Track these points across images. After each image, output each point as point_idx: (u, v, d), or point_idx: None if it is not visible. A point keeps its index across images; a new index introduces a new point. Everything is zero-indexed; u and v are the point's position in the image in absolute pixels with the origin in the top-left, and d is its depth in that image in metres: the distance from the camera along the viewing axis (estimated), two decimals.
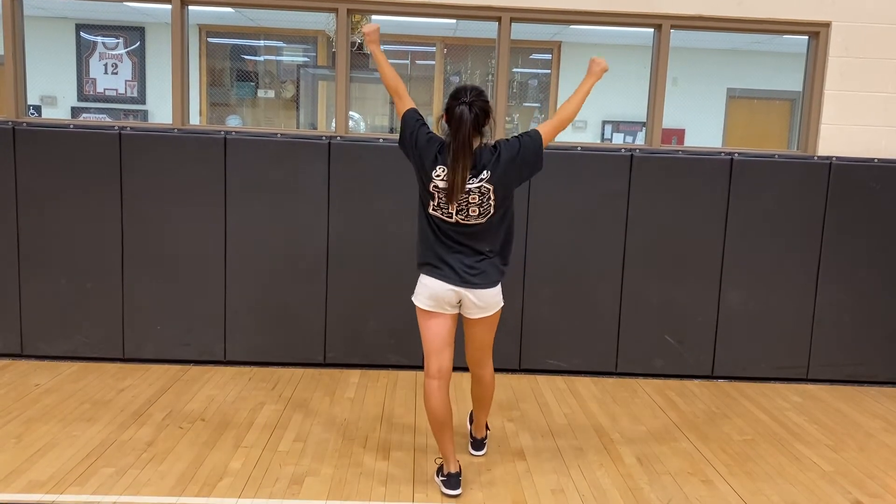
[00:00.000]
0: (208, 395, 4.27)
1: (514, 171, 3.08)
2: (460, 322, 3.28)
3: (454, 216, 3.04)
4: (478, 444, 3.63)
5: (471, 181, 3.01)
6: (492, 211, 3.05)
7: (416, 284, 3.20)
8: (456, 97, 3.02)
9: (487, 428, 3.68)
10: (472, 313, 3.17)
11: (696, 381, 4.88)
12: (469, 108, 2.97)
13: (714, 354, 4.90)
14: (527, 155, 3.09)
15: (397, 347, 4.82)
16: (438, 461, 3.34)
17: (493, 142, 3.10)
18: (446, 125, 3.04)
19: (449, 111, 3.02)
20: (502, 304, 3.23)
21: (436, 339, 3.16)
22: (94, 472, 3.25)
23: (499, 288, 3.19)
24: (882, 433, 4.13)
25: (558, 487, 3.31)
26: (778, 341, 4.89)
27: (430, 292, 3.12)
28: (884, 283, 4.86)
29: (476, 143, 3.03)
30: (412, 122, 3.15)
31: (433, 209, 3.07)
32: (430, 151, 3.06)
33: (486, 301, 3.15)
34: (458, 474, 3.21)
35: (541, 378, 4.82)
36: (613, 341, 4.87)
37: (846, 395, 4.74)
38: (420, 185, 3.12)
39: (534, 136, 3.13)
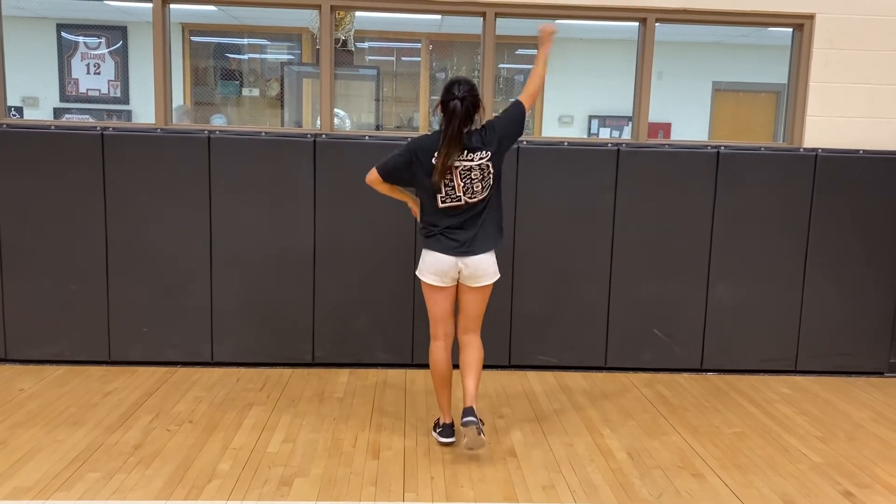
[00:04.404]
0: (196, 396, 4.24)
1: (506, 139, 3.49)
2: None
3: (463, 198, 3.41)
4: (469, 412, 3.40)
5: (470, 159, 3.37)
6: (492, 181, 3.44)
7: (416, 264, 3.59)
8: (449, 91, 3.38)
9: (483, 423, 3.55)
10: (469, 281, 3.49)
11: (686, 375, 4.89)
12: (461, 102, 3.33)
13: (703, 347, 4.91)
14: (514, 118, 3.53)
15: (386, 345, 4.80)
16: (436, 419, 3.75)
17: (480, 126, 3.48)
18: (441, 115, 3.40)
19: (444, 104, 3.37)
20: (498, 275, 3.55)
21: (441, 310, 3.56)
22: (81, 477, 3.21)
23: (494, 258, 3.52)
24: (870, 423, 4.15)
25: (549, 483, 3.30)
26: (766, 333, 4.91)
27: (434, 268, 3.46)
28: (870, 274, 4.89)
29: (466, 129, 3.39)
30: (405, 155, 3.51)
31: (442, 202, 3.42)
32: (429, 153, 3.40)
33: (482, 268, 3.47)
34: (452, 425, 3.58)
35: (530, 374, 4.81)
36: (602, 336, 4.87)
37: (834, 386, 4.76)
38: (425, 191, 3.46)
39: (517, 105, 3.56)
